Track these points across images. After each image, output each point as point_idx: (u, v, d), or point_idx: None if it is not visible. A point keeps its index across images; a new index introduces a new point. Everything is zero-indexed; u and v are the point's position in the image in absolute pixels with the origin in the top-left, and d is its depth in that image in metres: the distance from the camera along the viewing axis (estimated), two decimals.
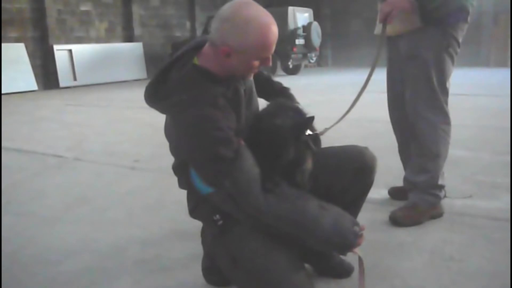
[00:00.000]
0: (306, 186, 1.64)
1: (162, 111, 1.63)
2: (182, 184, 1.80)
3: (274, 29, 1.54)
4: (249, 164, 1.52)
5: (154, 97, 1.61)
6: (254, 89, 1.77)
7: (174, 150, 1.76)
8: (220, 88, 1.57)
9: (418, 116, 2.43)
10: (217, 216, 1.69)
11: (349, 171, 1.77)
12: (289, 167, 1.60)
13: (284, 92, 1.93)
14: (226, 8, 1.53)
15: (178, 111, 1.55)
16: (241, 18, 1.49)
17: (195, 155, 1.56)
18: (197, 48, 1.65)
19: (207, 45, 1.60)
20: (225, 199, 1.57)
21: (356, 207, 1.89)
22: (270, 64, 1.61)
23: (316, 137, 1.75)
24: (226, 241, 1.67)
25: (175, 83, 1.57)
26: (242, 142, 1.55)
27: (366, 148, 1.83)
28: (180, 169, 1.76)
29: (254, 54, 1.53)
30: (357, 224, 1.60)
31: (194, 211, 1.81)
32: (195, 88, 1.54)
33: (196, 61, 1.61)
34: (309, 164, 1.66)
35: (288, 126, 1.58)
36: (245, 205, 1.53)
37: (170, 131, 1.71)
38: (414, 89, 2.43)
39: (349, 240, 1.56)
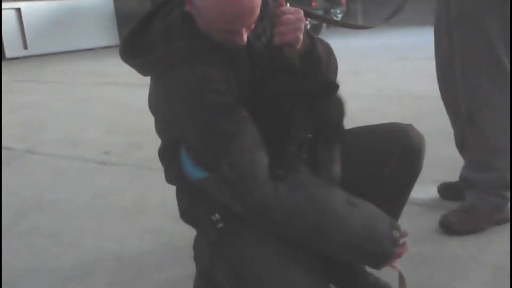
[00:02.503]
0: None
1: (142, 70, 1.64)
2: (170, 177, 1.81)
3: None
4: (254, 140, 1.52)
5: (133, 52, 1.61)
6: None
7: (160, 127, 1.76)
8: (213, 40, 1.57)
9: (478, 96, 2.41)
10: (217, 215, 1.67)
11: (391, 156, 1.75)
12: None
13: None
14: None
15: (163, 69, 1.56)
16: None
17: (185, 126, 1.57)
18: None
19: None
20: (222, 186, 1.55)
21: (398, 205, 1.88)
22: (243, 41, 1.56)
23: (338, 102, 1.73)
24: (227, 250, 1.67)
25: (159, 33, 1.58)
26: (245, 113, 1.56)
27: (410, 125, 1.83)
28: (168, 154, 1.75)
29: (213, 19, 1.50)
30: (396, 227, 1.59)
31: (186, 213, 1.81)
32: (183, 39, 1.55)
33: (186, 8, 1.61)
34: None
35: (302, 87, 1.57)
36: (247, 196, 1.52)
37: (154, 101, 1.72)
38: (471, 61, 2.40)
39: (386, 248, 1.55)
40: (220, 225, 1.68)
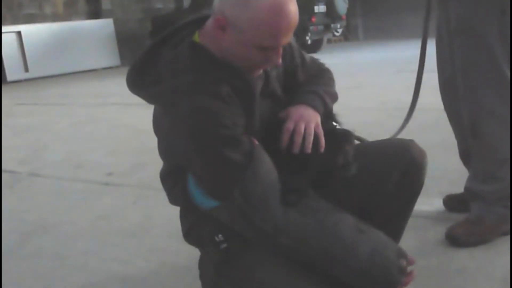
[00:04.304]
0: (351, 168, 1.64)
1: (149, 100, 1.65)
2: (173, 198, 1.81)
3: (291, 10, 1.51)
4: (266, 169, 1.54)
5: (140, 82, 1.62)
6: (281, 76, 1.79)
7: (164, 150, 1.77)
8: (223, 72, 1.58)
9: (480, 107, 2.41)
10: (220, 236, 1.69)
11: (393, 173, 1.77)
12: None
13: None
14: None
15: (170, 102, 1.57)
16: None
17: (194, 159, 1.58)
18: (200, 22, 1.66)
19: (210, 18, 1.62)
20: (234, 215, 1.58)
21: (402, 220, 1.90)
22: (279, 60, 1.60)
23: (347, 134, 1.76)
24: (232, 270, 1.68)
25: (167, 64, 1.59)
26: (256, 142, 1.56)
27: (411, 141, 1.84)
28: (171, 177, 1.77)
29: (252, 37, 1.51)
30: (404, 255, 1.61)
31: (189, 234, 1.82)
32: (192, 71, 1.56)
33: (197, 38, 1.62)
34: (350, 145, 1.69)
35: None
36: (259, 223, 1.54)
37: (159, 125, 1.72)
38: (472, 72, 2.40)
39: (393, 276, 1.57)
40: (223, 245, 1.69)
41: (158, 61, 1.61)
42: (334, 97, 1.87)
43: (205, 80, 1.55)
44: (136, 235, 2.91)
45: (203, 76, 1.55)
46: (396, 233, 1.88)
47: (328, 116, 1.76)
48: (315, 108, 1.73)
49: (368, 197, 1.74)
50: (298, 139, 1.63)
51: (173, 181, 1.77)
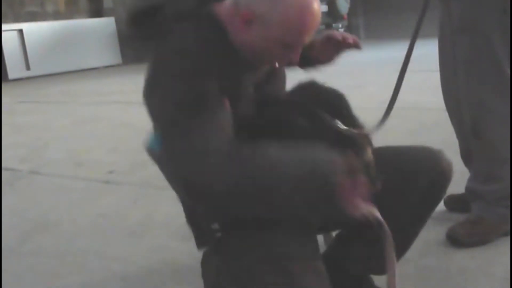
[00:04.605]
0: (377, 182, 1.59)
1: (146, 39, 1.65)
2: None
3: (317, 8, 1.54)
4: (223, 124, 1.50)
5: (142, 19, 1.64)
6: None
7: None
8: (231, 53, 1.58)
9: (482, 107, 2.41)
10: (216, 225, 1.66)
11: (421, 183, 1.75)
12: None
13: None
14: None
15: (164, 36, 1.56)
16: None
17: (161, 93, 1.55)
18: None
19: (230, 1, 1.60)
20: (172, 159, 1.51)
21: (418, 227, 1.88)
22: (297, 59, 1.61)
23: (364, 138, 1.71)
24: (235, 267, 1.66)
25: (173, 18, 1.59)
26: (227, 105, 1.54)
27: (440, 151, 1.83)
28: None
29: (279, 32, 1.52)
30: (337, 156, 1.48)
31: (191, 216, 1.79)
32: (201, 35, 1.55)
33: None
34: (369, 153, 1.60)
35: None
36: (182, 170, 1.47)
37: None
38: (474, 72, 2.40)
39: (324, 175, 1.45)
40: (218, 234, 1.67)
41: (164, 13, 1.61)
42: None
43: (217, 38, 1.56)
44: (136, 233, 2.91)
45: (210, 43, 1.55)
46: (410, 239, 1.88)
47: (340, 114, 1.68)
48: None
49: (391, 203, 1.71)
50: (350, 38, 1.75)
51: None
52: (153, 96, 1.57)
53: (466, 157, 2.70)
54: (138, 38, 1.66)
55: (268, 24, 1.52)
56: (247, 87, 1.67)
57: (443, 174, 1.79)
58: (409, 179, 1.75)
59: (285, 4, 1.49)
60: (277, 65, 1.66)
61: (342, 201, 1.49)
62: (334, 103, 1.70)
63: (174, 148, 1.48)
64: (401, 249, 1.81)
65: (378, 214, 1.51)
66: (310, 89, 1.74)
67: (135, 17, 1.67)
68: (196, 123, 1.47)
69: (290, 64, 1.70)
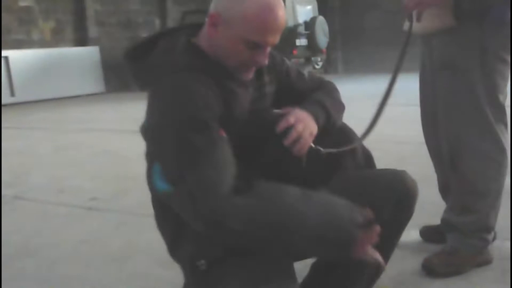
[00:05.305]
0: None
1: (139, 76, 1.71)
2: (153, 199, 1.81)
3: (278, 12, 1.60)
4: (224, 160, 1.53)
5: (135, 54, 1.70)
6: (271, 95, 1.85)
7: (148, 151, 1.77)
8: (213, 69, 1.64)
9: (460, 142, 2.44)
10: (202, 261, 1.67)
11: (389, 203, 1.78)
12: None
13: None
14: None
15: (157, 76, 1.61)
16: None
17: (159, 136, 1.59)
18: (196, 28, 1.73)
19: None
20: (184, 201, 1.53)
21: (390, 248, 1.90)
22: (266, 61, 1.67)
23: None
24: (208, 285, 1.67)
25: (163, 48, 1.66)
26: (223, 133, 1.58)
27: (404, 172, 1.87)
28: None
29: (241, 29, 1.59)
30: (357, 210, 1.55)
31: (174, 249, 1.78)
32: (185, 55, 1.63)
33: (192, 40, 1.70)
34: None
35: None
36: (205, 209, 1.49)
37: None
38: (453, 108, 2.44)
39: (349, 233, 1.51)
40: (203, 268, 1.68)
41: (155, 46, 1.68)
42: (340, 107, 1.98)
43: (197, 63, 1.62)
44: (118, 260, 2.89)
45: (196, 60, 1.63)
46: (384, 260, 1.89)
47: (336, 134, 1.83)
48: (316, 119, 1.77)
49: None
50: (294, 135, 1.66)
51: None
52: (160, 138, 1.60)
53: (444, 190, 2.74)
54: (134, 71, 1.70)
55: (231, 23, 1.59)
56: (243, 105, 1.71)
57: (408, 193, 1.81)
58: (379, 201, 1.76)
59: (246, 2, 1.57)
60: (248, 72, 1.72)
61: (356, 251, 1.54)
62: None
63: (192, 189, 1.51)
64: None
65: (378, 256, 1.58)
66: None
67: (133, 51, 1.72)
68: (206, 162, 1.51)
69: (258, 66, 1.73)
